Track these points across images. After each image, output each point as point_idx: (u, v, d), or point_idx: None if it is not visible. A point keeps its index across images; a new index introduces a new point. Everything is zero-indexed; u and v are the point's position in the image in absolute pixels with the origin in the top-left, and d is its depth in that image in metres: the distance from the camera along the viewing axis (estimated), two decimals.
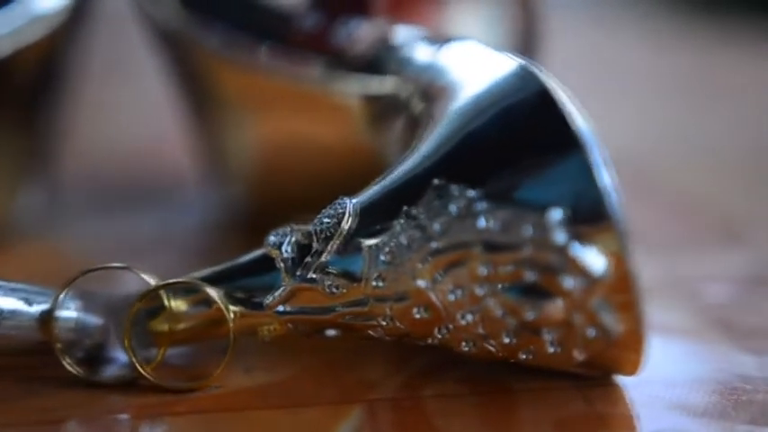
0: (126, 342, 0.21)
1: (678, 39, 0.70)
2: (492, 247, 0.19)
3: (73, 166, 0.37)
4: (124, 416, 0.20)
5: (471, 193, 0.19)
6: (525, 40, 0.33)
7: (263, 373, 0.22)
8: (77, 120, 0.37)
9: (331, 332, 0.22)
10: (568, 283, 0.19)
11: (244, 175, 0.32)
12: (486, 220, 0.19)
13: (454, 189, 0.20)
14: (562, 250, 0.19)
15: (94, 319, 0.22)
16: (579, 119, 0.19)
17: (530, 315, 0.19)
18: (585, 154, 0.19)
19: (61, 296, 0.21)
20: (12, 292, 0.21)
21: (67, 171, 0.36)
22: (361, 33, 0.27)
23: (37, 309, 0.21)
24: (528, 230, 0.19)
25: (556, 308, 0.19)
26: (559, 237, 0.19)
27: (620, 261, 0.19)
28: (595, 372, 0.21)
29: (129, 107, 0.47)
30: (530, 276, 0.19)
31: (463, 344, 0.20)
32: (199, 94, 0.32)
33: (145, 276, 0.22)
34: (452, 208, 0.20)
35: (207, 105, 0.32)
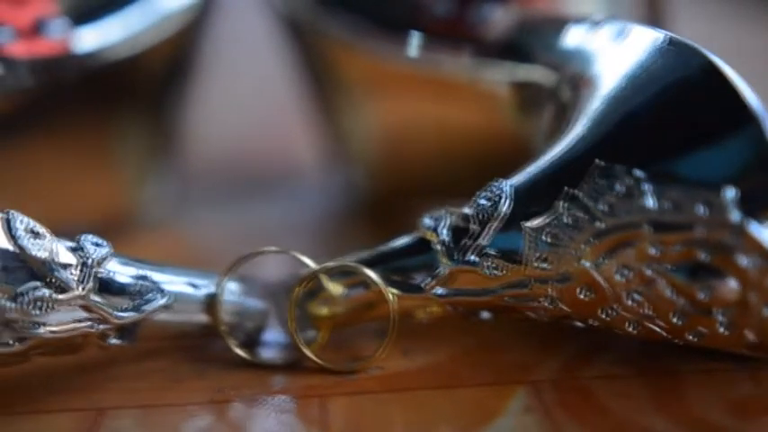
0: (291, 325, 0.21)
1: None
2: (662, 226, 0.19)
3: (194, 156, 0.38)
4: (290, 397, 0.21)
5: (638, 172, 0.19)
6: (649, 23, 0.32)
7: (422, 355, 0.22)
8: (198, 110, 0.38)
9: (485, 314, 0.22)
10: (744, 261, 0.18)
11: (369, 161, 0.32)
12: (656, 200, 0.19)
13: (619, 169, 0.20)
14: (738, 229, 0.18)
15: (255, 303, 0.23)
16: (750, 93, 0.19)
17: (701, 295, 0.19)
18: (759, 129, 0.19)
19: (225, 281, 0.22)
20: (177, 276, 0.22)
21: (190, 160, 0.37)
22: (497, 18, 0.27)
23: (203, 293, 0.22)
24: (700, 209, 0.19)
25: (729, 287, 0.19)
26: (735, 215, 0.18)
27: None
28: (762, 353, 0.21)
29: (241, 96, 0.48)
30: (702, 256, 0.19)
31: (627, 324, 0.20)
32: (327, 83, 0.32)
33: (305, 260, 0.22)
34: (618, 188, 0.19)
35: (333, 93, 0.32)
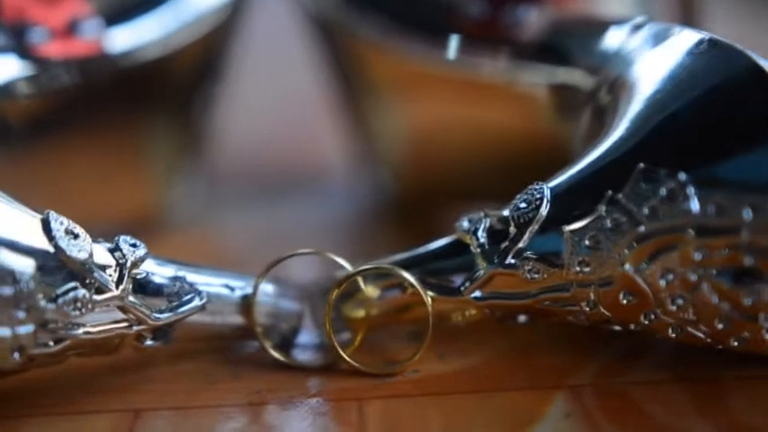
0: (327, 327, 0.21)
1: None
2: (706, 230, 0.19)
3: (222, 157, 0.37)
4: (326, 399, 0.21)
5: (682, 176, 0.19)
6: (682, 23, 0.32)
7: (457, 359, 0.22)
8: (227, 111, 0.38)
9: (522, 318, 0.22)
10: None
11: (397, 163, 0.32)
12: (700, 204, 0.19)
13: (663, 173, 0.19)
14: None
15: (290, 305, 0.23)
16: None
17: (747, 300, 0.19)
18: None
19: (261, 282, 0.22)
20: (213, 277, 0.22)
21: (218, 161, 0.37)
22: (531, 20, 0.26)
23: (238, 294, 0.22)
24: (746, 213, 0.18)
25: None
26: None
27: None
28: None
29: (270, 97, 0.48)
30: (748, 260, 0.18)
31: (669, 329, 0.20)
32: (356, 84, 0.32)
33: (341, 261, 0.22)
34: (662, 192, 0.19)
35: (362, 94, 0.32)
